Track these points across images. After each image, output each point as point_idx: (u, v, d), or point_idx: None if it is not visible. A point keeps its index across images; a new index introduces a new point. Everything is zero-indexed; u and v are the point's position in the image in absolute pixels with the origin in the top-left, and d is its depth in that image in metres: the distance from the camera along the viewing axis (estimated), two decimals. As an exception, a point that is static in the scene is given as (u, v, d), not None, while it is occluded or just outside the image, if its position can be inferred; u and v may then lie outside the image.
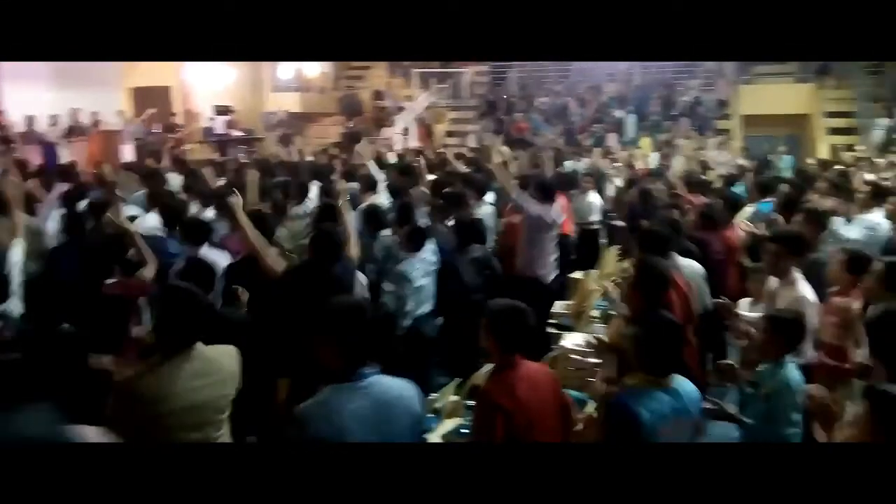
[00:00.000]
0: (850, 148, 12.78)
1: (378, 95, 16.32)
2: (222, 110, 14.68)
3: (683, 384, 2.52)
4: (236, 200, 3.98)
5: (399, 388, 2.16)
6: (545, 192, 5.30)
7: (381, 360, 2.17)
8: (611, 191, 8.17)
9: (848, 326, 3.43)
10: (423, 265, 4.66)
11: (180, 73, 14.43)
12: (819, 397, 2.52)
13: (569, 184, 7.10)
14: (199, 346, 2.36)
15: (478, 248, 5.01)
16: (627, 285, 3.57)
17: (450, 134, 15.53)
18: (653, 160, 10.80)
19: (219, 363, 2.40)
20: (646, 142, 13.30)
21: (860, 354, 3.23)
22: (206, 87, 14.89)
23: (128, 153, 11.13)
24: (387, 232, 5.08)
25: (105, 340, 3.31)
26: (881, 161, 9.96)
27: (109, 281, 3.87)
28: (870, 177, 7.67)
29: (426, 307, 4.69)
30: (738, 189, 7.21)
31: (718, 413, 3.00)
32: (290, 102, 16.35)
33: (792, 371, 2.95)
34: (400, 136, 14.18)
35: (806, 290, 3.58)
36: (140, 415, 2.20)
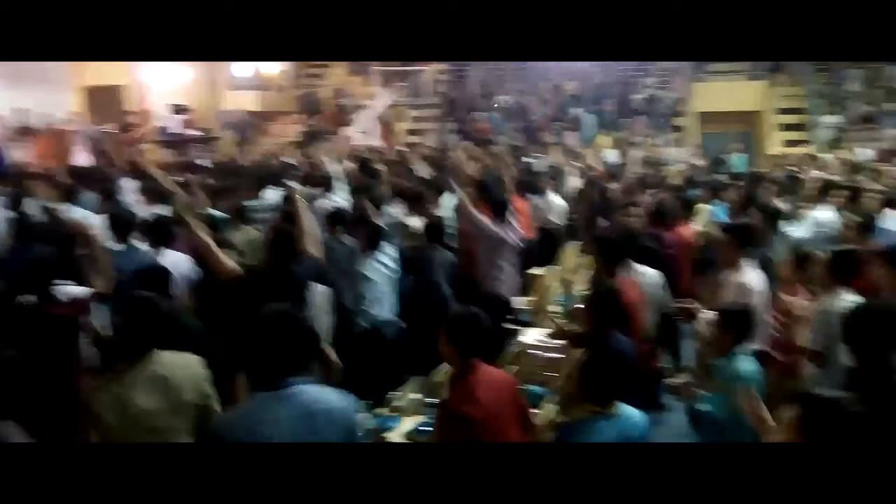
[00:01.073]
0: (799, 144, 13.17)
1: (337, 94, 16.21)
2: (178, 109, 14.41)
3: (628, 412, 2.53)
4: (187, 202, 3.93)
5: (330, 398, 2.09)
6: (500, 211, 5.24)
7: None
8: (571, 189, 8.26)
9: (794, 322, 3.54)
10: (380, 265, 4.68)
11: (134, 71, 14.10)
12: (754, 405, 2.54)
13: (530, 188, 7.15)
14: (158, 352, 2.37)
15: (441, 248, 5.05)
16: (583, 304, 3.57)
17: (411, 133, 15.51)
18: (611, 158, 10.96)
19: (176, 369, 2.39)
20: (604, 139, 13.49)
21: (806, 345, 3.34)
22: (162, 86, 14.59)
23: (80, 154, 10.84)
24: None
25: (51, 360, 3.21)
26: (828, 157, 10.28)
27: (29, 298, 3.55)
28: (817, 173, 7.92)
29: (385, 309, 4.70)
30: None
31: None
32: (249, 101, 16.13)
33: (743, 362, 3.04)
34: (360, 135, 14.11)
35: (751, 277, 3.68)
36: (105, 422, 2.26)
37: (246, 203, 5.61)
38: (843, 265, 3.27)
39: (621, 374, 2.53)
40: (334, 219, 4.95)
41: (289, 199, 4.80)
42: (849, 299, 3.13)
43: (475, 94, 16.63)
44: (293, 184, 5.67)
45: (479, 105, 15.95)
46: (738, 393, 2.70)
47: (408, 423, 3.37)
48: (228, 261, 3.71)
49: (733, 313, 3.14)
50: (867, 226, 4.54)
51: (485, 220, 5.14)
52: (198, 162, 9.45)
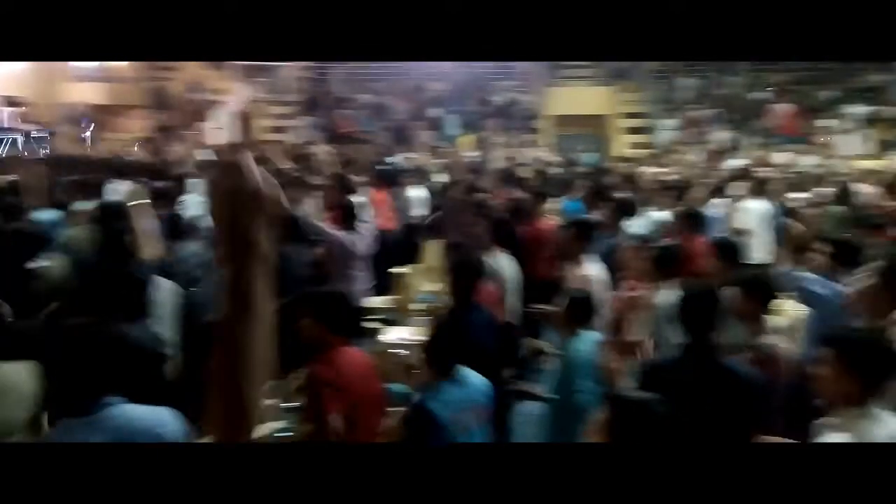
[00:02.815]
0: (642, 146, 14.25)
1: (191, 88, 15.42)
2: (11, 102, 13.13)
3: (470, 376, 2.68)
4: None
5: (151, 417, 1.87)
6: (349, 217, 5.16)
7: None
8: (434, 186, 8.40)
9: (628, 313, 3.85)
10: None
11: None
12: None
13: (389, 179, 7.20)
14: None
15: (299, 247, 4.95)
16: (447, 276, 3.73)
17: (272, 129, 15.08)
18: (472, 157, 11.28)
19: (9, 380, 2.22)
20: (466, 139, 13.85)
21: (640, 335, 3.64)
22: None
23: None
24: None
25: None
26: (665, 158, 11.21)
27: None
28: (654, 173, 8.61)
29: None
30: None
31: (524, 394, 3.29)
32: (93, 94, 14.98)
33: (582, 343, 3.31)
34: (217, 132, 13.52)
35: (591, 270, 3.97)
36: None
37: (81, 202, 5.19)
38: (665, 259, 3.61)
39: (463, 343, 2.67)
40: (176, 227, 4.68)
41: (126, 198, 4.50)
42: (672, 291, 3.45)
43: (338, 91, 16.46)
44: (128, 183, 5.33)
45: (341, 102, 15.81)
46: (573, 368, 2.91)
47: (264, 430, 3.29)
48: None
49: (574, 298, 3.44)
50: (694, 221, 4.98)
51: (328, 228, 5.03)
52: (35, 157, 8.65)
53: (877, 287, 2.72)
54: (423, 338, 2.72)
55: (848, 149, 13.09)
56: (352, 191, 5.17)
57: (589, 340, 3.38)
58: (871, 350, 2.05)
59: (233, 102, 15.11)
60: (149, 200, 4.31)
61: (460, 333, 2.69)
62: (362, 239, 5.18)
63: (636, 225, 5.72)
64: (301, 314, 2.76)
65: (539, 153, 12.61)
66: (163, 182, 5.99)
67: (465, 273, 3.50)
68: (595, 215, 5.60)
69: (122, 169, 6.91)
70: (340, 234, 5.00)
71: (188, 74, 16.10)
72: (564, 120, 15.45)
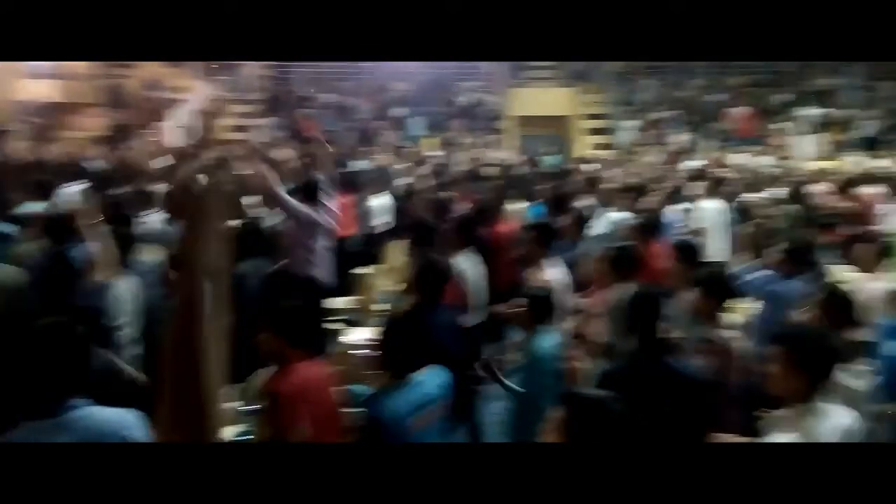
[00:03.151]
0: (604, 147, 14.43)
1: (149, 86, 15.09)
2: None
3: (429, 375, 2.67)
4: None
5: (117, 420, 1.85)
6: (311, 193, 5.22)
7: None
8: (397, 188, 8.39)
9: (588, 315, 3.90)
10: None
11: None
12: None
13: (351, 184, 7.16)
14: None
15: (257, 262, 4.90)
16: (410, 276, 3.74)
17: (234, 129, 14.87)
18: (437, 158, 11.29)
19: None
20: (430, 141, 13.86)
21: (600, 336, 3.69)
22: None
23: None
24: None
25: None
26: (626, 159, 11.38)
27: None
28: (615, 174, 8.73)
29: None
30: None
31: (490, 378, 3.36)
32: (47, 91, 14.55)
33: (544, 340, 3.35)
34: (176, 131, 13.28)
35: (552, 274, 4.01)
36: None
37: (32, 203, 5.05)
38: (622, 261, 3.67)
39: (419, 344, 2.66)
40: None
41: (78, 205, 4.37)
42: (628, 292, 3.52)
43: (301, 90, 16.31)
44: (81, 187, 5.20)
45: (304, 102, 15.67)
46: (537, 365, 2.94)
47: (225, 434, 3.24)
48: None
49: (534, 296, 3.51)
50: (652, 225, 5.07)
51: (293, 201, 5.08)
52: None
53: (816, 317, 2.87)
54: (376, 339, 2.70)
55: (802, 150, 13.47)
56: (316, 199, 5.17)
57: (550, 338, 3.43)
58: (817, 347, 2.12)
59: (193, 101, 14.93)
60: (101, 216, 4.05)
61: (415, 334, 2.68)
62: (329, 213, 5.29)
63: (597, 227, 5.80)
64: (260, 328, 2.75)
65: (503, 154, 12.68)
66: (120, 189, 5.83)
67: (431, 275, 3.50)
68: (557, 219, 5.65)
69: (76, 172, 6.72)
70: (306, 208, 5.06)
71: (146, 72, 15.76)
72: (528, 121, 15.56)
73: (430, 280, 3.49)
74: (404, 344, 2.63)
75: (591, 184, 7.50)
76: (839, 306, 2.97)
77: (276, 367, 2.76)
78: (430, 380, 2.67)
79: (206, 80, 15.35)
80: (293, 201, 5.07)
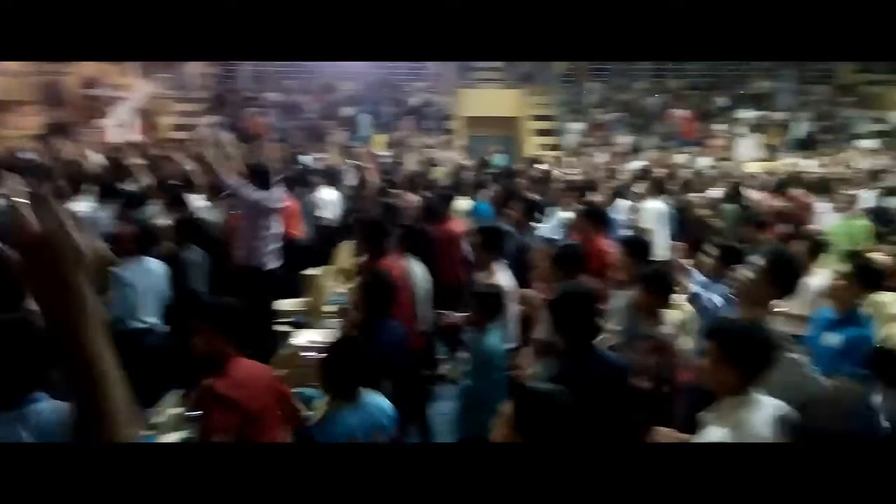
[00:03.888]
0: (551, 148, 14.65)
1: (87, 83, 14.58)
2: None
3: (373, 399, 2.67)
4: None
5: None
6: (263, 178, 5.23)
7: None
8: (346, 187, 8.32)
9: (533, 314, 3.97)
10: (142, 270, 4.38)
11: None
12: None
13: (303, 184, 7.10)
14: None
15: (195, 248, 4.85)
16: (357, 290, 3.68)
17: (177, 128, 14.51)
18: (385, 157, 11.24)
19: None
20: (379, 140, 13.80)
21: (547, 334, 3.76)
22: None
23: None
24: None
25: None
26: (573, 160, 11.58)
27: None
28: (561, 174, 8.88)
29: (150, 316, 4.40)
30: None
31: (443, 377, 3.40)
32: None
33: (492, 338, 3.43)
34: (117, 129, 12.88)
35: (500, 277, 4.07)
36: None
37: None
38: (566, 258, 3.74)
39: (360, 363, 2.64)
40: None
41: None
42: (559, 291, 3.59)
43: (246, 88, 16.03)
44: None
45: (250, 101, 15.40)
46: (485, 360, 2.97)
47: (169, 440, 3.19)
48: None
49: (482, 294, 3.57)
50: (597, 219, 5.13)
51: (247, 185, 5.10)
52: None
53: (757, 280, 2.91)
54: (321, 361, 2.69)
55: (740, 151, 13.96)
56: (268, 185, 5.21)
57: (498, 335, 3.49)
58: (748, 341, 2.21)
59: (133, 99, 14.50)
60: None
61: (358, 357, 2.66)
62: (277, 198, 5.35)
63: (544, 225, 5.89)
64: (197, 325, 2.70)
65: (451, 154, 12.73)
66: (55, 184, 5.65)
67: (377, 289, 3.43)
68: (505, 217, 5.71)
69: (10, 167, 6.45)
70: (254, 191, 5.09)
71: (85, 69, 15.23)
72: (476, 121, 15.67)
73: (376, 295, 3.42)
74: (345, 366, 2.62)
75: (539, 182, 7.61)
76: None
77: (215, 367, 2.71)
78: (376, 403, 2.66)
79: (146, 78, 14.92)
80: (243, 184, 5.07)
